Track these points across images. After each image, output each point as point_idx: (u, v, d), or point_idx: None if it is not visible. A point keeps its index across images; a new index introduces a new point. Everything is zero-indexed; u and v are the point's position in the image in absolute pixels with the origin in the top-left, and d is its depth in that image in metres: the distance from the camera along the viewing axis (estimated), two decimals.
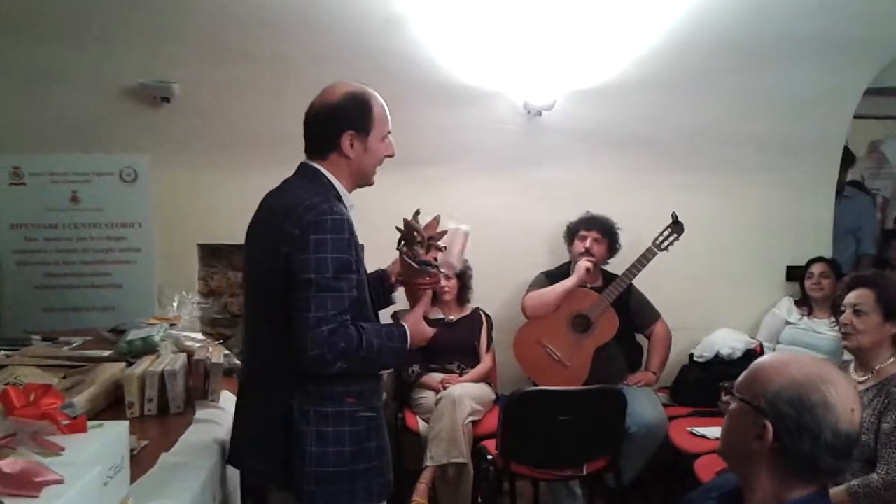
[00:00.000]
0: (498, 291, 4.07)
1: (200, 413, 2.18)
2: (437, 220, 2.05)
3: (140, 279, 3.91)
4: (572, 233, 3.86)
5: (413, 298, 2.09)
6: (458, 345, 3.81)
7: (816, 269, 3.93)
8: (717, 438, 1.45)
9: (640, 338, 3.90)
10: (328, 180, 1.90)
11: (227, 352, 2.62)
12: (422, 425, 3.54)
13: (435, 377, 3.70)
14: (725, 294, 4.23)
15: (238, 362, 2.67)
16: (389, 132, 1.98)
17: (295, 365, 1.77)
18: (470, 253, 3.85)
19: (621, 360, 3.72)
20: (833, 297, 2.82)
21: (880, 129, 5.19)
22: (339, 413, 1.83)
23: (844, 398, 1.29)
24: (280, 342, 1.80)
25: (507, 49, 3.57)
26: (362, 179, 1.98)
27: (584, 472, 3.15)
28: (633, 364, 3.80)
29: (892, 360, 2.38)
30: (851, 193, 4.62)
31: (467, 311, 3.93)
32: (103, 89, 3.63)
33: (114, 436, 1.35)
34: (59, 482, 1.09)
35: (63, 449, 1.22)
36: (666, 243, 3.66)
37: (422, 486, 3.31)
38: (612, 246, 3.83)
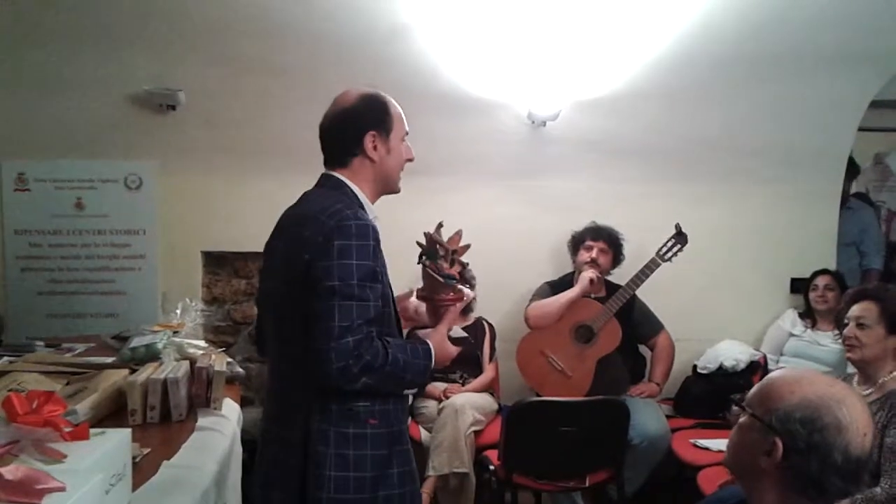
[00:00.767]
0: (501, 301, 4.07)
1: (203, 421, 2.17)
2: (459, 234, 1.97)
3: (144, 286, 3.93)
4: (577, 242, 3.86)
5: (435, 316, 1.95)
6: (460, 354, 3.78)
7: (821, 281, 3.92)
8: (720, 451, 1.44)
9: (642, 349, 3.89)
10: (351, 190, 1.82)
11: (229, 359, 2.62)
12: (424, 435, 3.54)
13: (437, 386, 3.70)
14: (729, 305, 4.22)
15: (241, 371, 2.67)
16: (407, 133, 1.93)
17: (316, 381, 1.65)
18: (474, 262, 3.91)
19: (624, 371, 3.72)
20: (837, 309, 2.81)
21: (885, 142, 5.18)
22: (362, 435, 1.70)
23: (858, 421, 1.27)
24: (300, 357, 1.68)
25: (512, 59, 3.57)
26: (388, 185, 1.91)
27: (587, 484, 3.14)
28: (636, 375, 3.80)
29: None
30: (856, 205, 4.62)
31: (470, 320, 3.93)
32: (109, 96, 3.65)
33: (116, 443, 1.35)
34: (62, 490, 1.09)
35: (65, 456, 1.22)
36: (669, 254, 3.66)
37: (424, 496, 3.30)
38: (617, 256, 3.83)
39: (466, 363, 3.80)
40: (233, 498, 2.12)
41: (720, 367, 3.88)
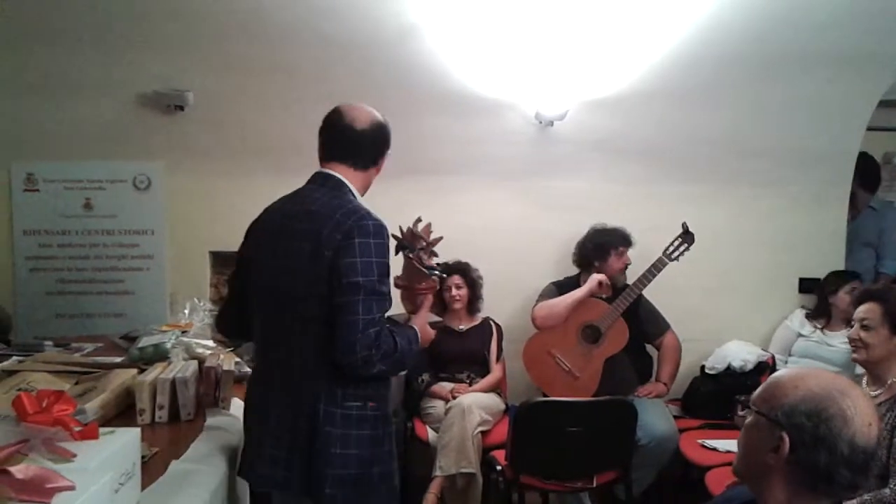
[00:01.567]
0: (508, 301, 4.07)
1: (211, 420, 2.19)
2: (429, 226, 2.14)
3: (152, 286, 3.94)
4: (605, 248, 3.76)
5: (412, 303, 2.14)
6: (467, 354, 3.81)
7: (857, 284, 3.80)
8: (728, 451, 1.45)
9: (649, 348, 3.88)
10: (350, 189, 1.98)
11: (237, 359, 2.63)
12: (431, 435, 3.54)
13: (445, 386, 3.70)
14: (737, 305, 4.21)
15: (249, 370, 2.67)
16: None
17: (326, 367, 1.82)
18: (481, 262, 3.92)
19: (631, 371, 3.71)
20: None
21: (894, 141, 5.16)
22: (363, 416, 1.88)
23: (862, 412, 1.28)
24: (309, 346, 1.85)
25: (520, 60, 3.57)
26: (364, 192, 2.08)
27: (595, 484, 3.13)
28: (644, 375, 3.79)
29: None
30: (880, 206, 4.58)
31: (477, 320, 3.93)
32: (117, 97, 3.66)
33: (125, 443, 1.36)
34: (71, 488, 1.09)
35: (75, 455, 1.22)
36: (676, 253, 3.65)
37: (431, 496, 3.30)
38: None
39: (474, 363, 3.80)
40: (241, 497, 2.12)
41: (728, 368, 3.87)
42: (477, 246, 3.98)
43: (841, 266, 4.15)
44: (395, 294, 2.15)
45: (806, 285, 4.19)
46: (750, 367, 3.84)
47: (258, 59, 3.49)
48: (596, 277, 3.64)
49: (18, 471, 1.08)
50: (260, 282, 2.00)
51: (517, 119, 3.87)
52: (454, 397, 3.56)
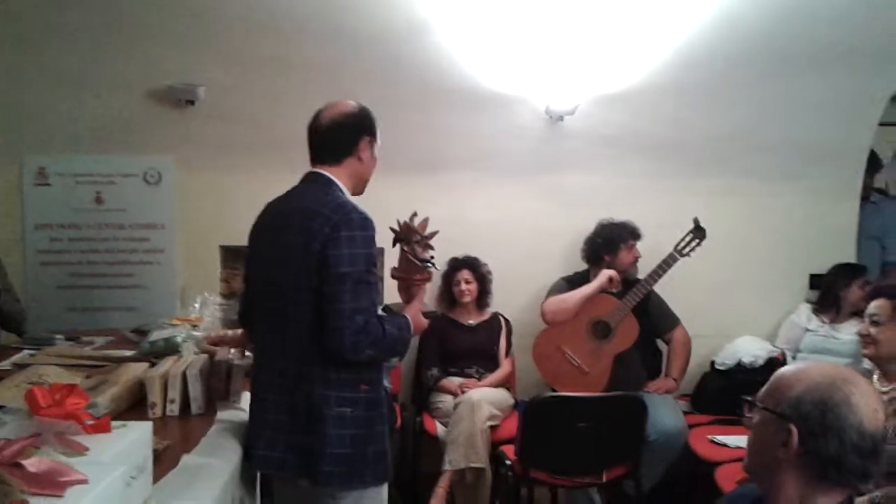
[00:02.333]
0: (518, 296, 4.06)
1: (222, 414, 2.19)
2: (426, 220, 2.20)
3: (163, 280, 3.96)
4: (615, 243, 3.75)
5: (407, 293, 2.23)
6: (477, 349, 3.81)
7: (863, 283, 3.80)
8: (738, 447, 1.45)
9: (659, 344, 3.87)
10: (339, 187, 2.06)
11: (248, 353, 2.63)
12: (440, 429, 3.54)
13: (454, 381, 3.70)
14: (748, 301, 4.19)
15: None
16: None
17: (321, 354, 1.92)
18: (491, 257, 3.91)
19: (641, 367, 3.70)
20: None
21: None
22: (356, 398, 1.97)
23: (868, 398, 1.30)
24: (304, 334, 1.94)
25: (530, 54, 3.56)
26: (361, 186, 2.16)
27: (604, 480, 3.13)
28: (653, 370, 3.78)
29: None
30: (878, 200, 4.57)
31: (486, 315, 3.93)
32: (128, 92, 3.66)
33: (137, 436, 1.36)
34: (84, 482, 1.09)
35: (87, 449, 1.22)
36: (688, 249, 3.63)
37: (440, 491, 3.31)
38: None
39: (483, 358, 3.81)
40: (252, 490, 2.13)
41: (738, 364, 3.86)
42: (486, 241, 3.98)
43: (851, 260, 4.12)
44: (392, 285, 2.27)
45: (816, 281, 4.16)
46: (760, 362, 3.82)
47: (269, 54, 3.49)
48: (606, 273, 3.63)
49: (31, 464, 1.08)
50: (257, 274, 2.14)
51: (527, 114, 3.86)
52: (463, 392, 3.57)
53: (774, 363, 3.82)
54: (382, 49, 3.46)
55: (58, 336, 3.10)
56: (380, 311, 2.09)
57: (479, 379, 3.73)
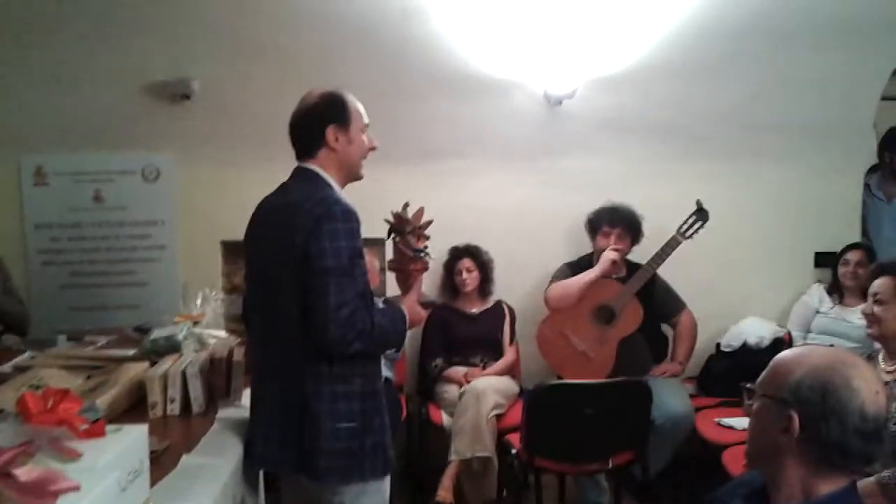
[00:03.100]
0: (520, 283, 4.04)
1: (223, 413, 2.19)
2: (421, 210, 2.19)
3: (164, 277, 3.96)
4: (595, 226, 3.79)
5: (404, 284, 2.23)
6: (481, 338, 3.80)
7: (853, 256, 3.79)
8: (745, 429, 1.44)
9: (664, 328, 3.85)
10: (324, 179, 2.03)
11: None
12: (446, 419, 3.54)
13: (458, 371, 3.69)
14: (752, 282, 4.17)
15: None
16: (367, 125, 2.11)
17: (311, 348, 1.90)
18: (491, 244, 3.89)
19: (646, 351, 3.68)
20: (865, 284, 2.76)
21: None
22: (350, 392, 1.96)
23: (868, 380, 1.28)
24: (294, 329, 1.92)
25: (526, 38, 3.53)
26: (352, 172, 2.11)
27: (611, 465, 3.12)
28: (659, 354, 3.76)
29: None
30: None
31: (489, 303, 3.92)
32: (123, 87, 3.64)
33: (132, 440, 1.34)
34: (76, 489, 1.08)
35: (81, 454, 1.21)
36: (691, 231, 3.60)
37: (447, 481, 3.31)
38: (636, 237, 3.76)
39: (487, 347, 3.79)
40: (254, 489, 2.13)
41: (744, 345, 3.84)
42: (487, 228, 3.96)
43: (856, 239, 4.08)
44: (391, 276, 2.30)
45: (821, 259, 4.14)
46: (766, 344, 3.81)
47: (263, 45, 3.47)
48: (608, 256, 3.60)
49: (22, 473, 1.07)
50: (252, 271, 2.17)
51: (525, 98, 3.83)
52: (468, 381, 3.56)
53: (780, 344, 3.81)
54: (377, 36, 3.43)
55: (60, 336, 3.10)
56: (380, 304, 2.09)
57: (483, 368, 3.72)
